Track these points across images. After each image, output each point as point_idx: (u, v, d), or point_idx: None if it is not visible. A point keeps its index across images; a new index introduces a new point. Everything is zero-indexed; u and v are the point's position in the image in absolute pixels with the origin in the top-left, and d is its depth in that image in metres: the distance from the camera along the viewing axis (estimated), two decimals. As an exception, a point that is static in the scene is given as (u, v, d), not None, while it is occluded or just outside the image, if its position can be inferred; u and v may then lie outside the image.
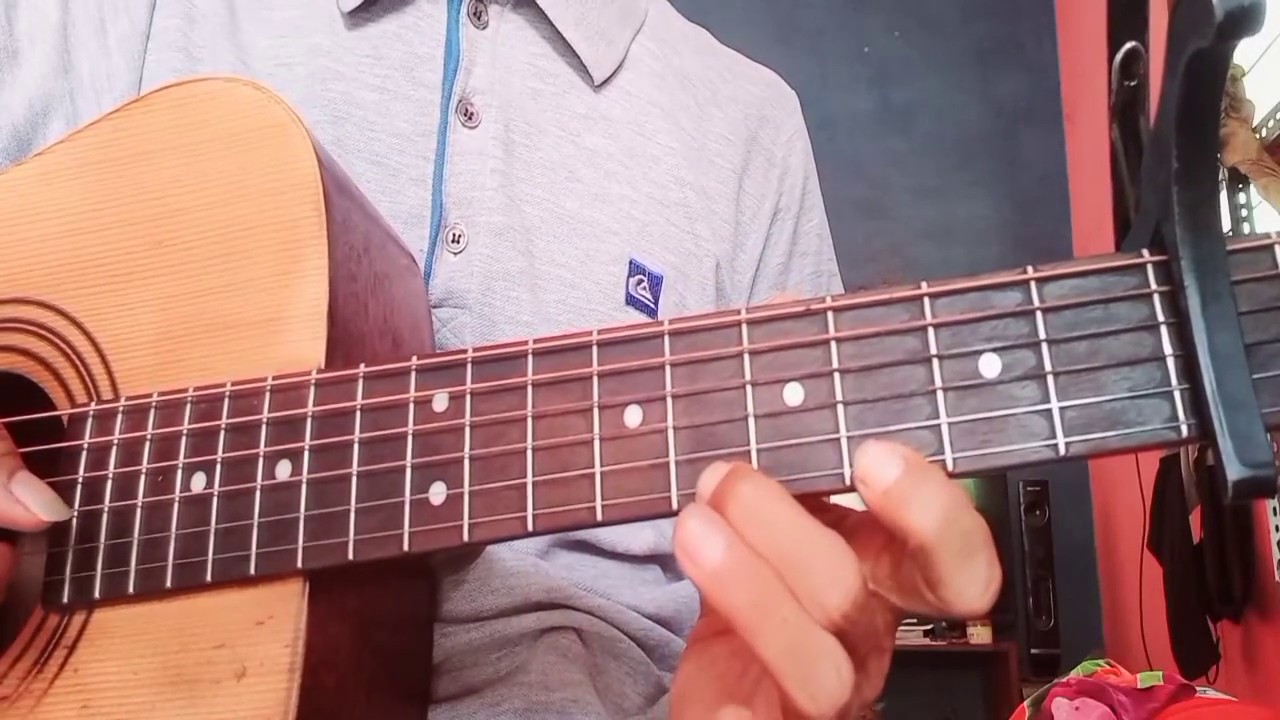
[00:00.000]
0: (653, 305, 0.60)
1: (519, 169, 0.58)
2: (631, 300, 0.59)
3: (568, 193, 0.59)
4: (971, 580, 0.30)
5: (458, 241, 0.55)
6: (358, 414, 0.38)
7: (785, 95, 0.72)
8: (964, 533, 0.30)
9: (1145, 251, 0.32)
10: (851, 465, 0.32)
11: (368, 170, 0.54)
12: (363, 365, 0.39)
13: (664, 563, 0.64)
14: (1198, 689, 1.82)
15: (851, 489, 0.32)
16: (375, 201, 0.50)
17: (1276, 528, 1.99)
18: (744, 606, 0.30)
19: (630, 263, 0.59)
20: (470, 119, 0.57)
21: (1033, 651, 2.80)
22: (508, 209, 0.56)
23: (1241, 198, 2.25)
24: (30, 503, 0.40)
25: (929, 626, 2.78)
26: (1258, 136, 2.08)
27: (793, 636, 0.30)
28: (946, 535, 0.30)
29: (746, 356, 0.34)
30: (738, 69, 0.72)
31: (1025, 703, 1.98)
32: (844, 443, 0.33)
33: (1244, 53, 2.15)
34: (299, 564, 0.37)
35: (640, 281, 0.60)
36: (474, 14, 0.59)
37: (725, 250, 0.65)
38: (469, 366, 0.37)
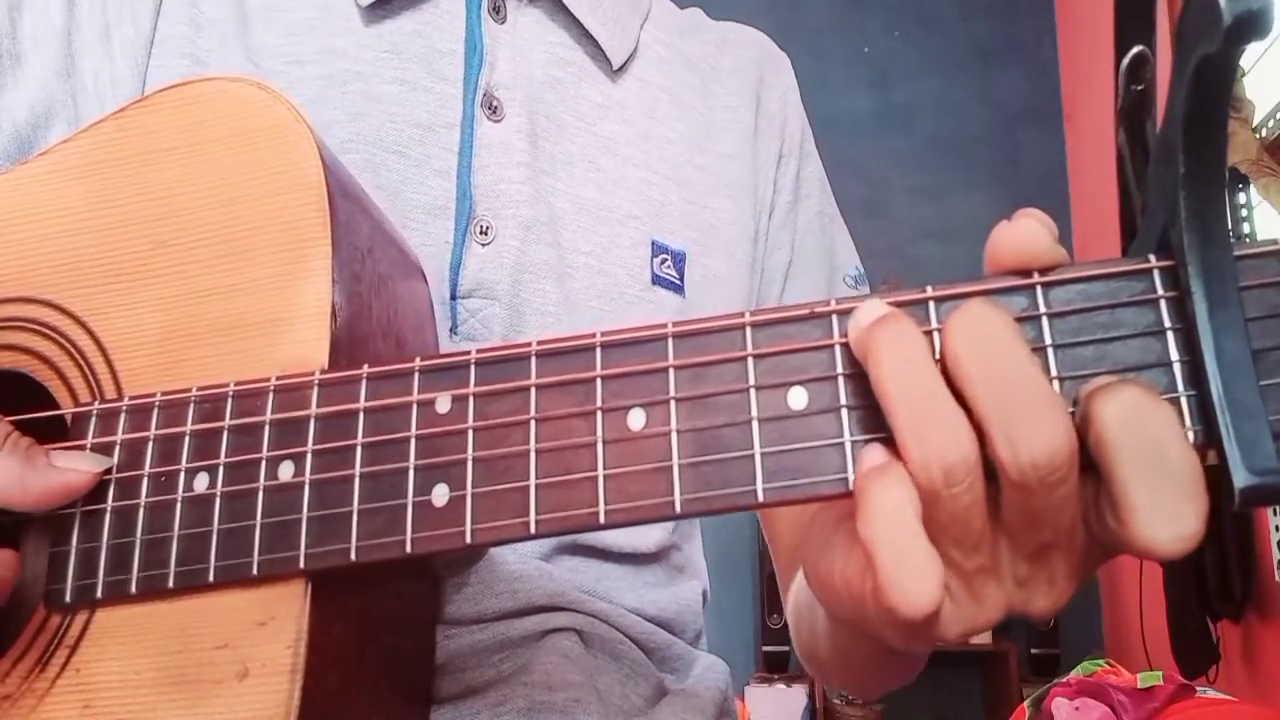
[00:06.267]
0: (678, 281, 0.61)
1: (544, 162, 0.59)
2: (658, 279, 0.60)
3: (588, 182, 0.60)
4: (1156, 506, 0.28)
5: (486, 233, 0.55)
6: (361, 415, 0.38)
7: (777, 55, 0.75)
8: (1153, 441, 0.28)
9: (1152, 256, 0.32)
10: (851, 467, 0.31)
11: (389, 159, 0.55)
12: (366, 366, 0.39)
13: (671, 558, 0.63)
14: (1198, 689, 1.83)
15: (851, 494, 0.32)
16: (397, 192, 0.49)
17: (1276, 528, 1.99)
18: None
19: (653, 244, 0.61)
20: (495, 113, 0.57)
21: (1033, 651, 2.80)
22: (535, 202, 0.57)
23: (1241, 198, 2.25)
24: (79, 464, 0.40)
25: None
26: (1258, 136, 2.08)
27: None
28: (1126, 438, 0.28)
29: (750, 360, 0.34)
30: (730, 37, 0.74)
31: (1025, 703, 1.98)
32: (848, 447, 0.32)
33: (1244, 53, 2.15)
34: (301, 565, 0.37)
35: (664, 260, 0.61)
36: (493, 9, 0.60)
37: (746, 209, 0.67)
38: (472, 368, 0.37)
